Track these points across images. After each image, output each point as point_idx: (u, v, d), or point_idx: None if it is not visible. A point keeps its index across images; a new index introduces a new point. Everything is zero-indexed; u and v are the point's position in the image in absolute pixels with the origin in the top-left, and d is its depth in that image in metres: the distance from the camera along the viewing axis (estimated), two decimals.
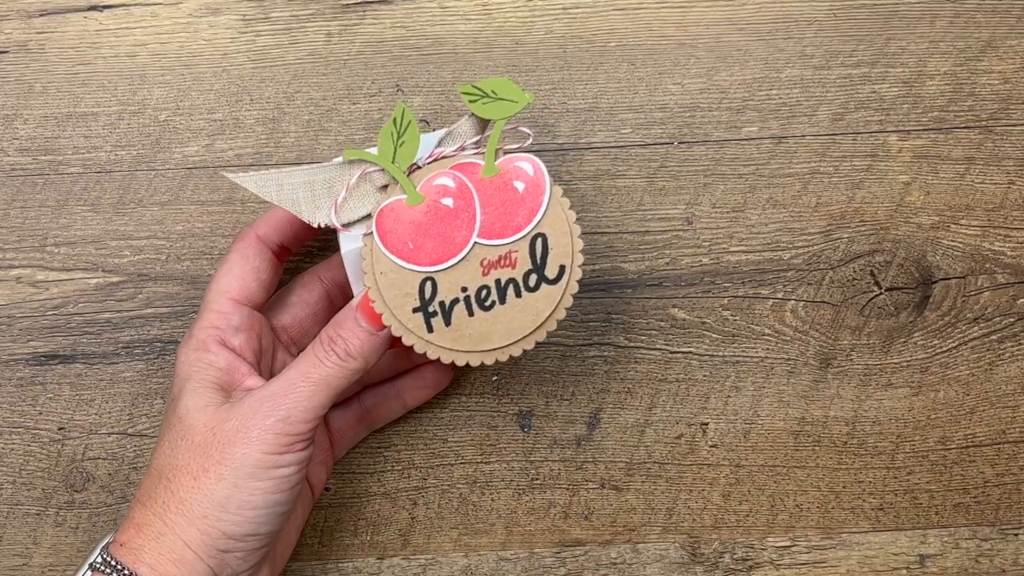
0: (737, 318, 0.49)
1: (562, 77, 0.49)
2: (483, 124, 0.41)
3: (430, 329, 0.39)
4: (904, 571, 0.49)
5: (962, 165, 0.49)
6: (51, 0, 0.49)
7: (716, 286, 0.49)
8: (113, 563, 0.40)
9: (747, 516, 0.49)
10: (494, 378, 0.49)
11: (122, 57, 0.49)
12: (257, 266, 0.43)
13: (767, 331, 0.49)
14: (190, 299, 0.49)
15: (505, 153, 0.40)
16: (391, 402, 0.48)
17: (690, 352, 0.49)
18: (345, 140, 0.49)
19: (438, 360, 0.40)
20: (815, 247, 0.49)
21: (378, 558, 0.49)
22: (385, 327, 0.40)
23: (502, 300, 0.40)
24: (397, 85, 0.49)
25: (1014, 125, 0.50)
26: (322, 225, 0.40)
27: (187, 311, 0.49)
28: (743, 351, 0.49)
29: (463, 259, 0.39)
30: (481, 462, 0.49)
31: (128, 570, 0.39)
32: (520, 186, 0.40)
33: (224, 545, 0.40)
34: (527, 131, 0.42)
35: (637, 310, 0.49)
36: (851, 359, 0.49)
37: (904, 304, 0.49)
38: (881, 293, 0.49)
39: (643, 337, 0.49)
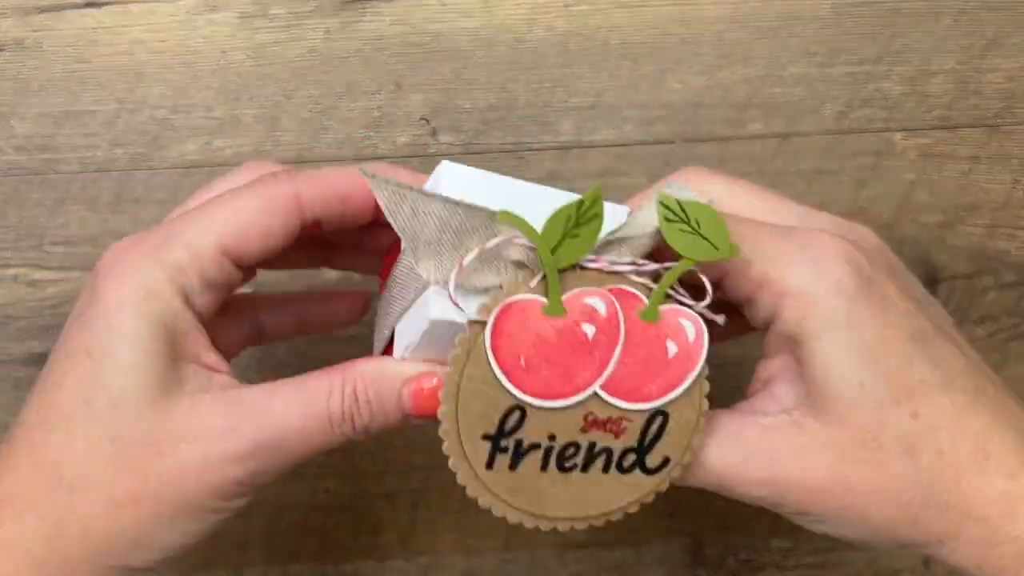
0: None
1: (564, 74, 0.49)
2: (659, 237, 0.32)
3: (490, 465, 0.32)
4: (908, 574, 0.49)
5: (967, 164, 0.49)
6: None
7: None
8: None
9: (751, 518, 0.49)
10: None
11: (120, 54, 0.49)
12: (270, 225, 0.32)
13: None
14: None
15: (675, 300, 0.32)
16: (287, 325, 0.40)
17: None
18: (345, 138, 0.49)
19: (359, 299, 0.36)
20: None
21: (378, 560, 0.49)
22: (428, 417, 0.32)
23: (584, 468, 0.32)
24: (397, 83, 0.49)
25: (1019, 123, 0.49)
26: (430, 280, 0.31)
27: None
28: (746, 351, 0.49)
29: (571, 405, 0.31)
30: None
31: None
32: (673, 348, 0.32)
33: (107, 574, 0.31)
34: (710, 289, 0.32)
35: None
36: None
37: None
38: None
39: None
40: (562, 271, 0.31)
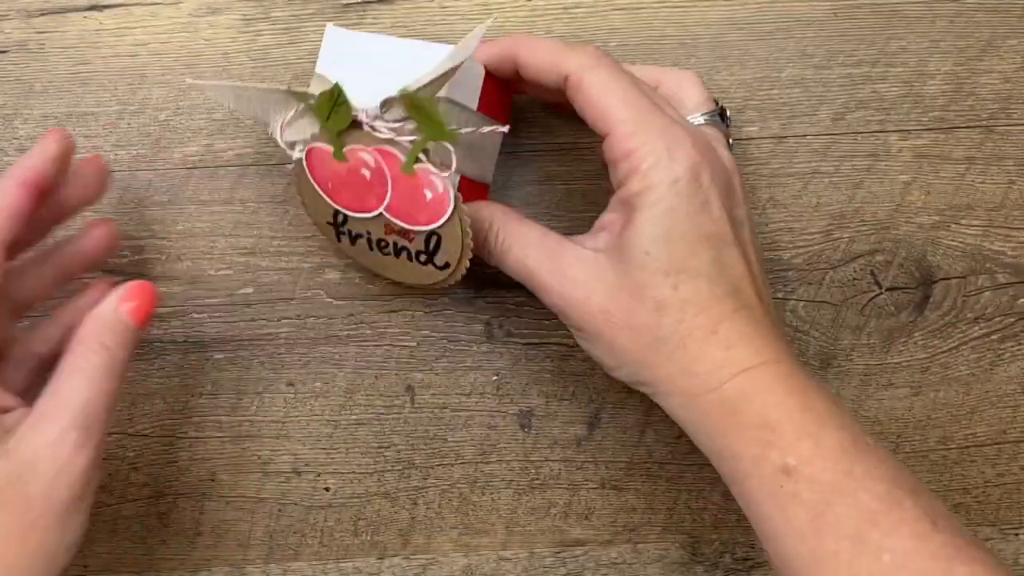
0: None
1: None
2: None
3: (339, 240, 0.45)
4: None
5: (963, 165, 0.49)
6: None
7: None
8: None
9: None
10: (494, 377, 0.49)
11: (122, 57, 0.49)
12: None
13: None
14: (190, 299, 0.49)
15: (427, 160, 0.41)
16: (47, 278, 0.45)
17: None
18: None
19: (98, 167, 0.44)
20: (815, 247, 0.49)
21: (378, 558, 0.49)
22: (145, 326, 0.40)
23: (396, 255, 0.44)
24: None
25: (1015, 125, 0.50)
26: (272, 136, 0.43)
27: (187, 311, 0.49)
28: None
29: (370, 218, 0.44)
30: (481, 462, 0.49)
31: None
32: (429, 194, 0.42)
33: None
34: (452, 156, 0.41)
35: None
36: (851, 359, 0.49)
37: (904, 304, 0.49)
38: (881, 293, 0.49)
39: None
40: (344, 130, 0.42)
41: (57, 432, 0.36)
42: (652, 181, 0.39)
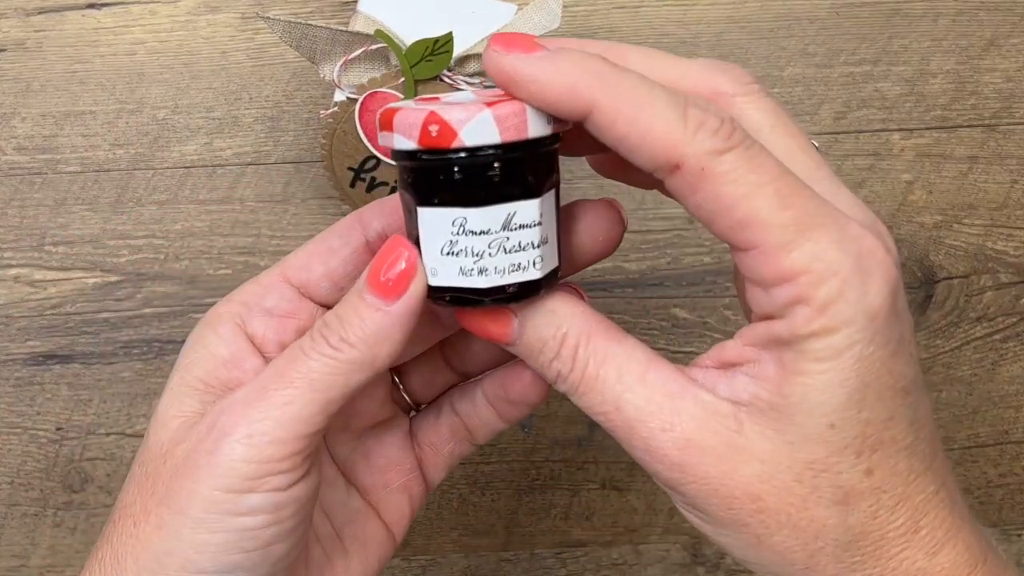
0: (739, 318, 0.49)
1: None
2: None
3: (352, 185, 0.45)
4: None
5: (965, 164, 0.49)
6: None
7: (718, 285, 0.49)
8: None
9: None
10: None
11: (120, 55, 0.49)
12: (331, 248, 0.32)
13: None
14: (188, 298, 0.49)
15: None
16: (480, 408, 0.34)
17: (692, 352, 0.49)
18: None
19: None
20: None
21: None
22: (398, 300, 0.28)
23: None
24: None
25: (1017, 124, 0.49)
26: (325, 78, 0.44)
27: (186, 311, 0.49)
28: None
29: None
30: (482, 462, 0.49)
31: None
32: None
33: None
34: None
35: (639, 310, 0.49)
36: None
37: (907, 303, 0.49)
38: None
39: (645, 337, 0.49)
40: (421, 80, 0.43)
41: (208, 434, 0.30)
42: (837, 318, 0.25)
